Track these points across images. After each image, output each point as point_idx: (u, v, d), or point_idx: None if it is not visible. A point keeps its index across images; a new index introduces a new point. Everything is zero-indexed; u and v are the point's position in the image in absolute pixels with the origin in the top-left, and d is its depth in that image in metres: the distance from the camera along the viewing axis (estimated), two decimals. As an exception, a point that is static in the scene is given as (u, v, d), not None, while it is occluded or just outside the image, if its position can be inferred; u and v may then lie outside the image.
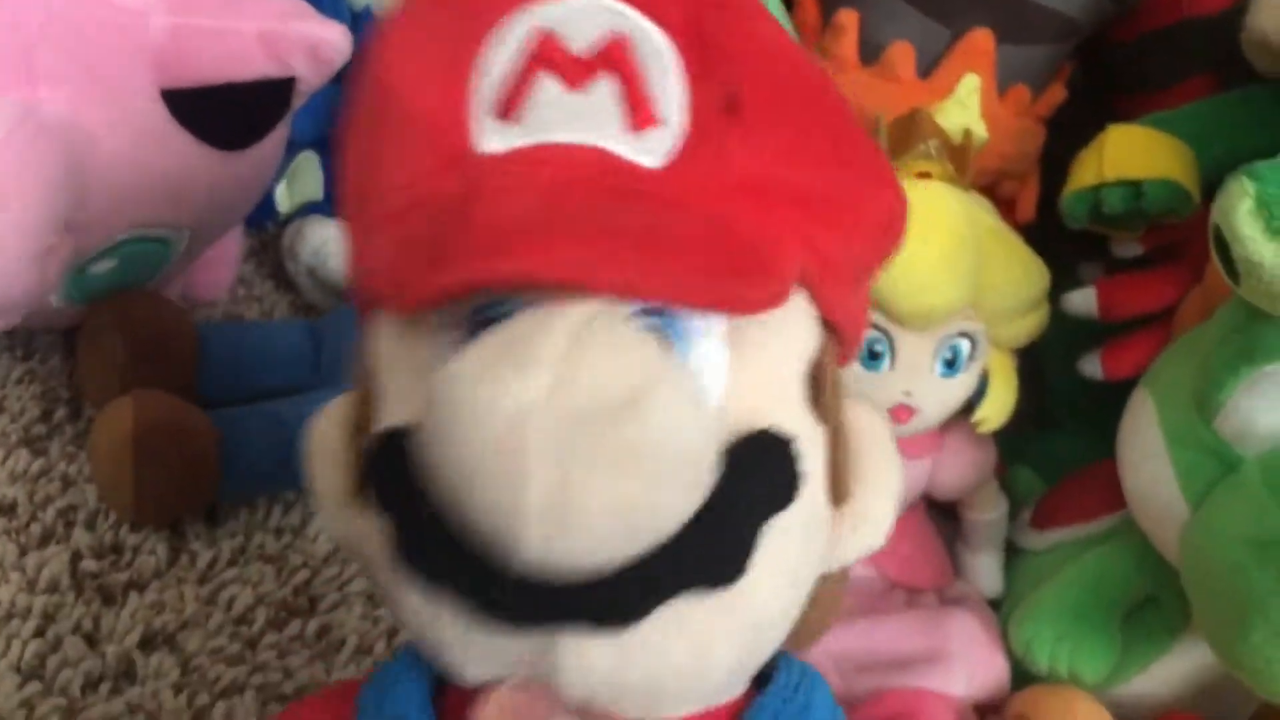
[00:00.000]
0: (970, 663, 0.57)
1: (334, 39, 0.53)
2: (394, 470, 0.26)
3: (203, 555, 0.56)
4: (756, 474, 0.26)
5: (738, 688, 0.30)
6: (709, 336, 0.27)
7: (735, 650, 0.27)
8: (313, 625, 0.55)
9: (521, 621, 0.26)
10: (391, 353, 0.29)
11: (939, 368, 0.56)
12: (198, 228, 0.58)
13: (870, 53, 0.64)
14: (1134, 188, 0.61)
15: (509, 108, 0.27)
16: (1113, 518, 0.61)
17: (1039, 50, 0.65)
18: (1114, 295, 0.65)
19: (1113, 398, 0.58)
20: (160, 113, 0.52)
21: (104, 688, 0.50)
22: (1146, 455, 0.53)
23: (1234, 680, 0.57)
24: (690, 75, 0.26)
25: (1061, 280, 0.65)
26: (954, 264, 0.54)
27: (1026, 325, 0.59)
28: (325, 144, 0.78)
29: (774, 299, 0.26)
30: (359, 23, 0.73)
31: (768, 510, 0.26)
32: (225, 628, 0.54)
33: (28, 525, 0.55)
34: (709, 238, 0.25)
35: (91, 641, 0.51)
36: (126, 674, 0.51)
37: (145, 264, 0.58)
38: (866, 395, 0.56)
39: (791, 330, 0.28)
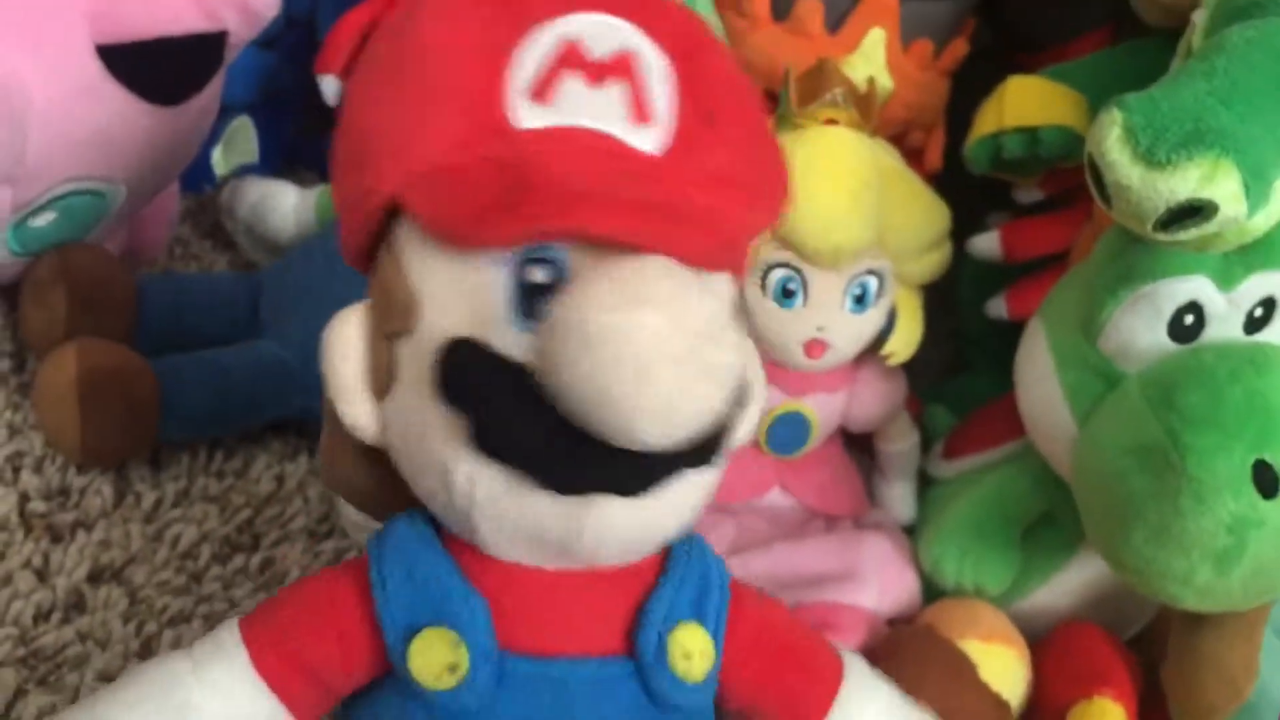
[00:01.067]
0: (882, 579, 0.60)
1: (263, -6, 0.55)
2: (471, 372, 0.34)
3: (147, 496, 0.58)
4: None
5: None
6: None
7: (697, 510, 0.37)
8: (256, 560, 0.57)
9: (572, 491, 0.34)
10: (428, 274, 0.35)
11: (849, 304, 0.59)
12: (134, 182, 0.60)
13: (781, 9, 0.67)
14: (1031, 134, 0.65)
15: (542, 94, 0.34)
16: (1014, 444, 0.65)
17: (941, 6, 0.69)
18: (1016, 237, 0.69)
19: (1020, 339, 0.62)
20: (95, 67, 0.54)
21: (55, 618, 0.52)
22: (1038, 378, 0.56)
23: (1128, 591, 0.62)
24: (680, 89, 0.35)
25: (970, 229, 0.69)
26: (860, 204, 0.57)
27: (930, 262, 0.62)
28: (260, 108, 0.80)
29: (740, 264, 0.36)
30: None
31: (744, 410, 0.36)
32: (171, 562, 0.56)
33: (-25, 470, 0.57)
34: (706, 217, 0.34)
35: (41, 576, 0.53)
36: (76, 605, 0.53)
37: (84, 217, 0.59)
38: (782, 332, 0.59)
39: (727, 279, 0.37)
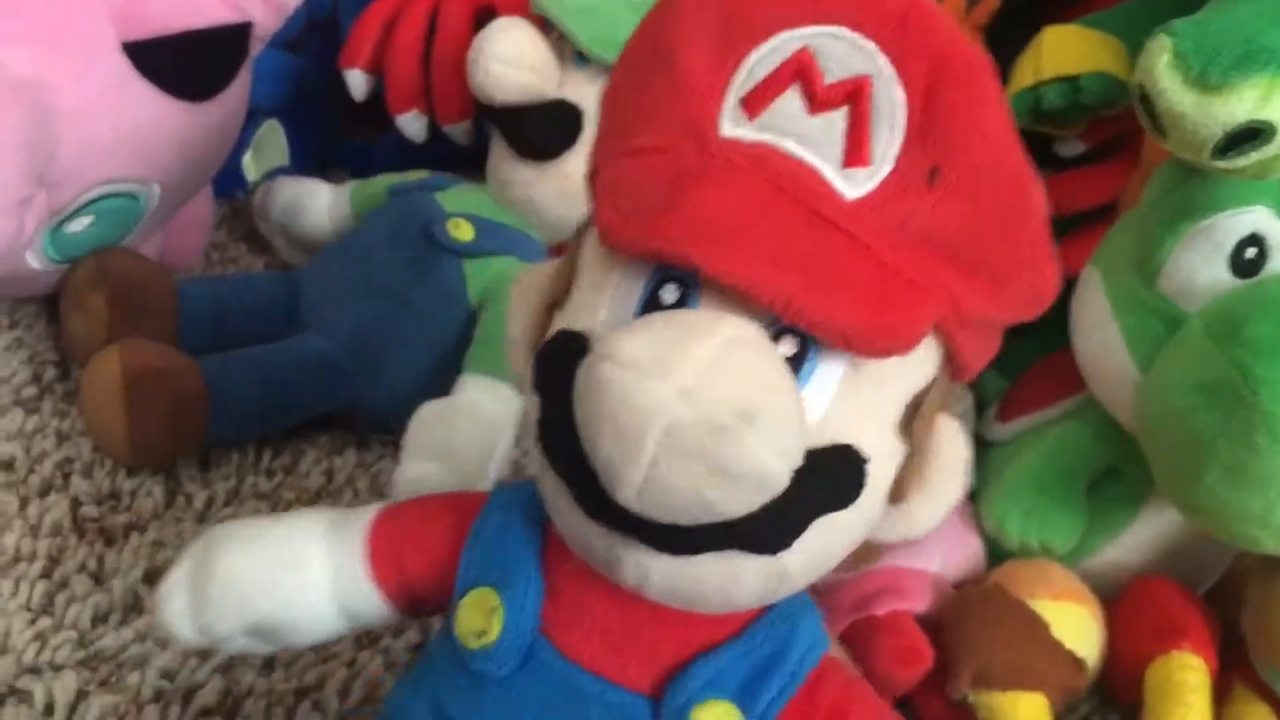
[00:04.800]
0: (945, 544, 0.59)
1: (286, -18, 0.55)
2: (555, 371, 0.31)
3: (198, 496, 0.58)
4: (825, 481, 0.31)
5: (757, 607, 0.35)
6: (835, 359, 0.31)
7: (759, 592, 0.33)
8: (310, 555, 0.57)
9: (602, 523, 0.32)
10: (591, 260, 0.34)
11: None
12: (167, 182, 0.60)
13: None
14: (1071, 83, 0.63)
15: (755, 105, 0.30)
16: (1071, 400, 0.63)
17: (971, -40, 0.68)
18: (1061, 191, 0.67)
19: (1070, 297, 0.60)
20: (123, 66, 0.54)
21: (113, 619, 0.52)
22: (1096, 324, 0.55)
23: (1201, 541, 0.60)
24: (909, 133, 0.30)
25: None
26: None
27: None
28: (288, 111, 0.80)
29: (902, 351, 0.30)
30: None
31: (825, 510, 0.31)
32: (226, 560, 0.55)
33: (26, 478, 0.57)
34: (872, 285, 0.29)
35: (97, 579, 0.53)
36: (133, 606, 0.53)
37: (120, 221, 0.59)
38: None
39: (907, 367, 0.32)
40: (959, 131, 0.30)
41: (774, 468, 0.28)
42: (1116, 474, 0.60)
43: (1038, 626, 0.54)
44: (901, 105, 0.29)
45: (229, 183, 0.77)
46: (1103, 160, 0.69)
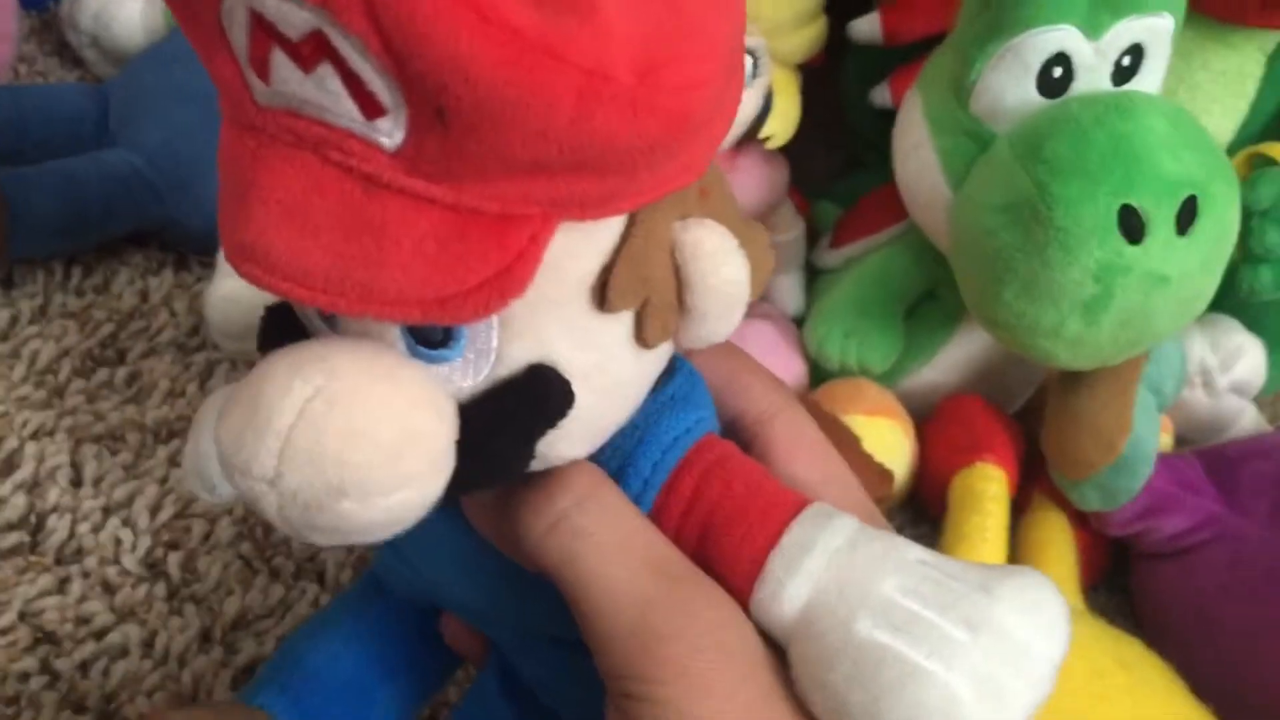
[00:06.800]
0: (767, 364, 0.60)
1: None
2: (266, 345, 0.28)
3: (1, 314, 0.56)
4: (522, 406, 0.28)
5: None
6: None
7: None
8: (121, 373, 0.55)
9: None
10: None
11: (723, 85, 0.58)
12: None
13: None
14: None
15: (261, 71, 0.25)
16: (895, 227, 0.65)
17: None
18: (895, 18, 0.67)
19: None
20: None
21: (-95, 435, 0.50)
22: (914, 147, 0.56)
23: (1010, 362, 0.62)
24: (393, 75, 0.24)
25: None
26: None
27: (805, 38, 0.61)
28: (101, -83, 0.75)
29: (518, 291, 0.26)
30: None
31: (542, 425, 0.29)
32: (30, 378, 0.54)
33: None
34: (448, 244, 0.26)
35: (-112, 395, 0.51)
36: (-72, 423, 0.51)
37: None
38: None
39: (555, 269, 0.28)
40: (432, 57, 0.24)
41: (400, 500, 0.26)
42: (933, 298, 0.62)
43: (849, 439, 0.56)
44: (362, 50, 0.24)
45: (39, -7, 0.72)
46: (940, -12, 0.69)
